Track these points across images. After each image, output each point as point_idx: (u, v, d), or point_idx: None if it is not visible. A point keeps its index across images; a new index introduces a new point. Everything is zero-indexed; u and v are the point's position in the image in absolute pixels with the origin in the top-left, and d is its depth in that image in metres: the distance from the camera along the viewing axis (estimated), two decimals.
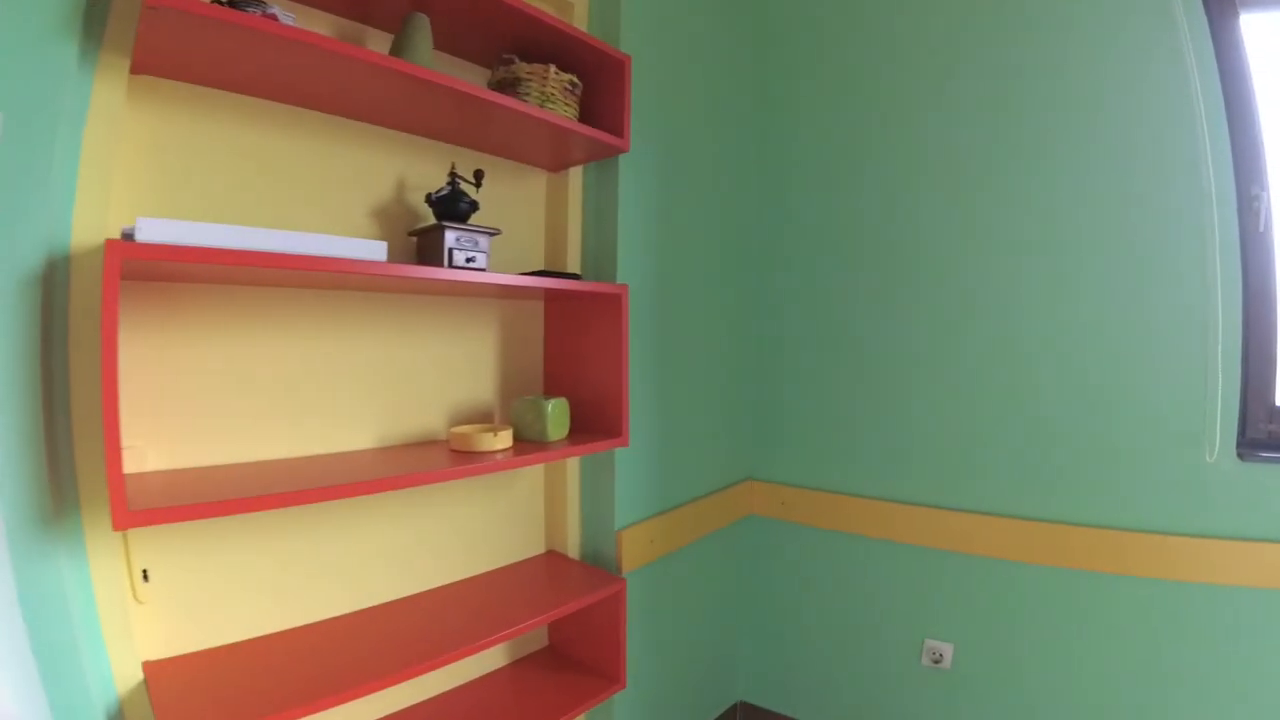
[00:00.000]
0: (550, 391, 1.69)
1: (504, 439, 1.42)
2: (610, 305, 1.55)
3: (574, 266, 1.69)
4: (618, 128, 1.59)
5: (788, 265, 2.18)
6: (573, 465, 1.73)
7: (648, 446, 1.80)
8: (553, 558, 1.72)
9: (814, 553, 2.10)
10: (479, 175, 1.51)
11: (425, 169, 1.49)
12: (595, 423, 1.59)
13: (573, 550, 1.73)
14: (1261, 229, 1.66)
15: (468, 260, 1.41)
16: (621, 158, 1.66)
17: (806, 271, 2.13)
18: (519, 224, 1.67)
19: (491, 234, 1.45)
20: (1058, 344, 1.71)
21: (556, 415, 1.50)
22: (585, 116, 1.62)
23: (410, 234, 1.46)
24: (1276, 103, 1.69)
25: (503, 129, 1.47)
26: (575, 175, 1.72)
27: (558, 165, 1.70)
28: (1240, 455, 1.58)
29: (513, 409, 1.53)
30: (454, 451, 1.40)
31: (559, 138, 1.54)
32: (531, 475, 1.71)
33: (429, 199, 1.44)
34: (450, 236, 1.40)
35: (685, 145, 1.94)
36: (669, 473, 1.89)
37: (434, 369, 1.51)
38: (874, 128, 1.99)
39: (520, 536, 1.69)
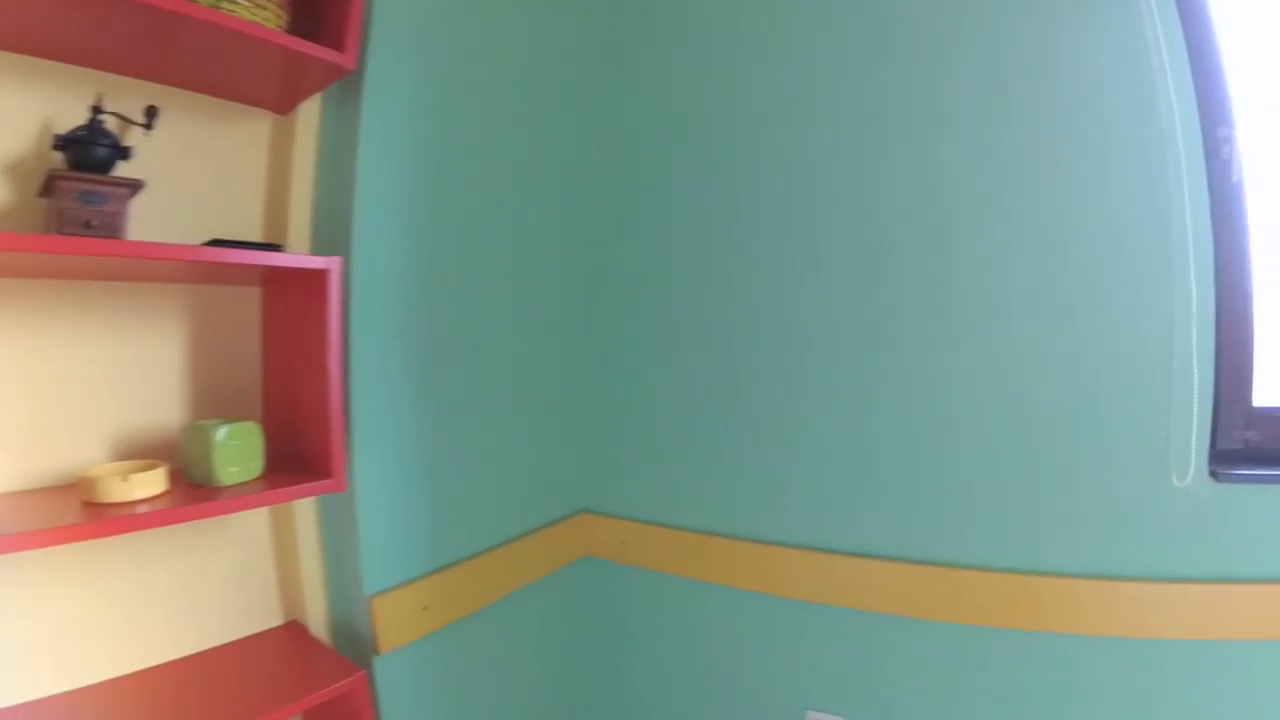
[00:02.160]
0: (272, 413, 1.23)
1: (146, 485, 0.98)
2: (316, 288, 1.11)
3: (299, 236, 1.23)
4: (339, 38, 1.14)
5: (637, 246, 1.67)
6: (304, 513, 1.25)
7: (411, 484, 1.30)
8: (293, 632, 1.28)
9: (668, 606, 1.60)
10: (151, 112, 1.07)
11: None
12: (311, 456, 1.15)
13: (317, 621, 1.28)
14: (1235, 180, 1.23)
15: (88, 225, 0.97)
16: (367, 88, 1.20)
17: (663, 256, 1.62)
18: (227, 180, 1.21)
19: (131, 187, 1.01)
20: (978, 338, 1.27)
21: (231, 448, 1.04)
22: (309, 28, 1.17)
23: (40, 194, 1.02)
24: (1240, 28, 1.27)
25: (183, 47, 1.02)
26: (309, 116, 1.26)
27: (284, 102, 1.25)
28: (1214, 475, 1.16)
29: (181, 439, 1.09)
30: (85, 504, 0.96)
31: (257, 56, 1.09)
32: (254, 524, 1.26)
33: (56, 142, 1.00)
34: (71, 191, 0.96)
35: (482, 79, 1.43)
36: (453, 515, 1.39)
37: (93, 382, 1.07)
38: (754, 66, 1.52)
39: (242, 604, 1.24)
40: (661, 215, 1.62)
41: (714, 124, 1.54)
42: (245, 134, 1.23)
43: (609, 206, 1.71)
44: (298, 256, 1.06)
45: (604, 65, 1.71)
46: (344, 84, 1.22)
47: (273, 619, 1.28)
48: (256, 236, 1.22)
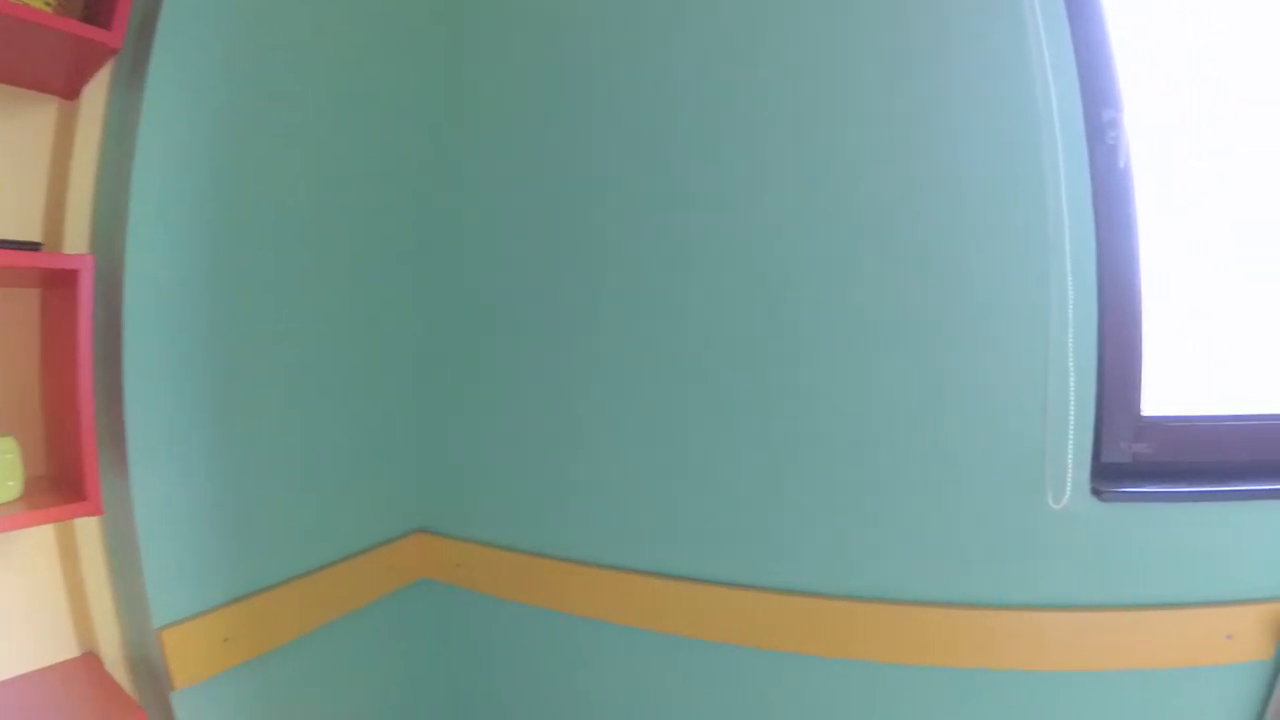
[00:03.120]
0: (52, 430, 1.12)
1: None
2: (67, 290, 1.00)
3: (77, 233, 1.12)
4: (109, 15, 1.03)
5: (466, 251, 1.49)
6: (89, 537, 1.13)
7: (203, 506, 1.17)
8: (88, 665, 1.17)
9: (505, 633, 1.46)
10: None
11: None
12: (72, 477, 1.01)
13: (114, 654, 1.18)
14: (1121, 166, 1.11)
15: None
16: (151, 73, 1.10)
17: (496, 261, 1.44)
18: (5, 170, 1.10)
19: None
20: (828, 348, 1.14)
21: None
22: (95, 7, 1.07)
23: None
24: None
25: None
26: (94, 103, 1.15)
27: (68, 87, 1.14)
28: (1097, 493, 1.04)
29: None
30: None
31: (20, 35, 0.99)
32: (37, 549, 1.13)
33: None
34: None
35: (288, 74, 1.28)
36: (257, 538, 1.25)
37: None
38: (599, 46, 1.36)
39: (33, 636, 1.13)
40: (495, 216, 1.46)
41: (553, 121, 1.38)
42: (28, 121, 1.12)
43: (436, 208, 1.54)
44: (46, 255, 0.95)
45: (430, 58, 1.53)
46: (133, 70, 1.11)
47: (68, 651, 1.17)
48: (36, 233, 1.12)
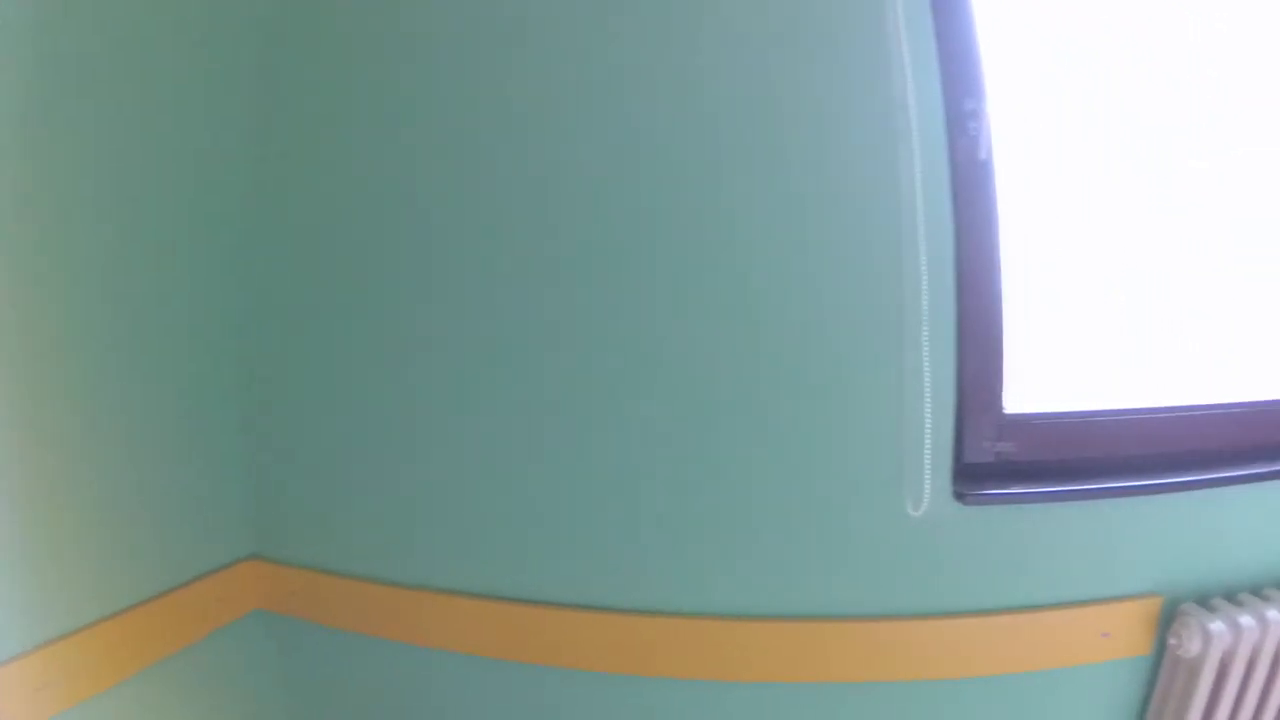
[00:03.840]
0: None
1: None
2: None
3: None
4: None
5: (307, 245, 1.28)
6: None
7: None
8: None
9: (344, 666, 1.30)
10: None
11: None
12: None
13: None
14: (982, 156, 1.09)
15: None
16: None
17: (338, 253, 1.25)
18: None
19: None
20: (670, 344, 1.09)
21: None
22: None
23: None
24: None
25: None
26: None
27: None
28: (959, 496, 1.01)
29: None
30: None
31: None
32: None
33: None
34: None
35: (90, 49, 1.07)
36: (65, 573, 1.11)
37: None
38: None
39: None
40: (333, 207, 1.27)
41: (385, 114, 1.22)
42: None
43: (265, 208, 1.34)
44: None
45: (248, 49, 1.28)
46: None
47: None
48: None
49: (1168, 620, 1.18)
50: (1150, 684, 1.21)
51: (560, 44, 1.05)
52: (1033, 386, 1.18)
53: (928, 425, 1.00)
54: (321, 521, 1.31)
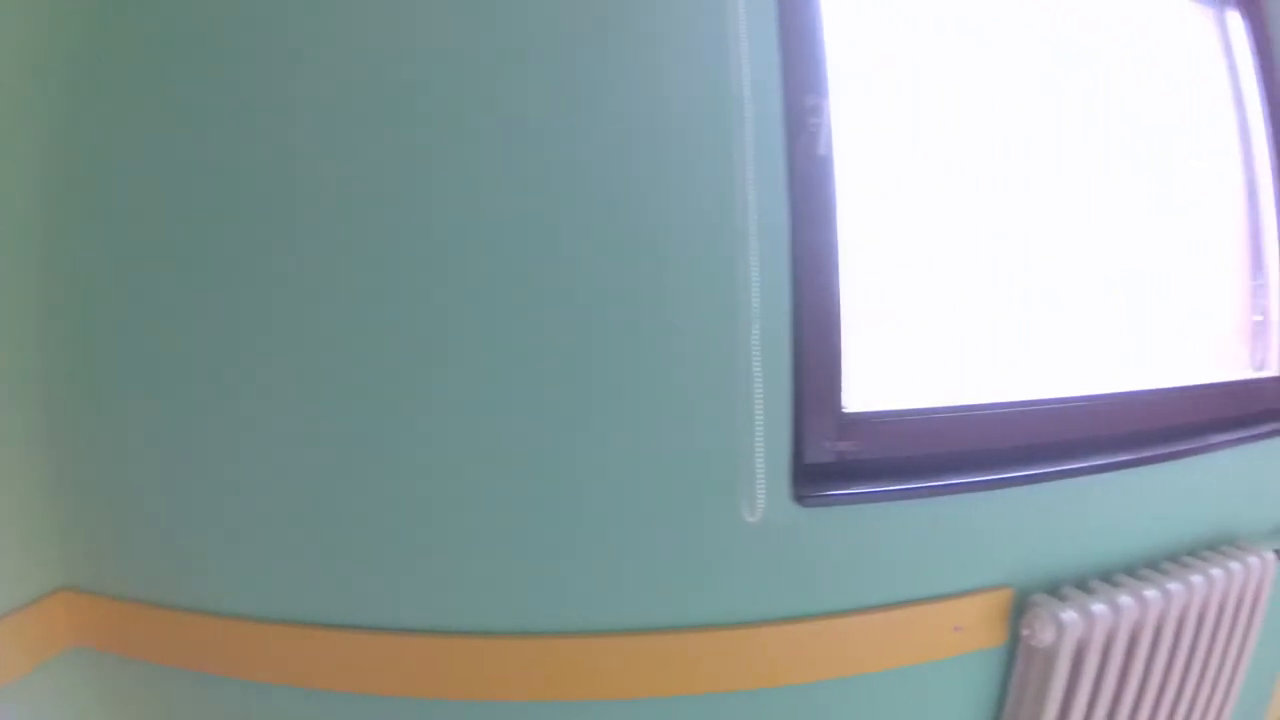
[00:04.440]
0: None
1: None
2: None
3: None
4: None
5: (111, 238, 1.08)
6: None
7: None
8: None
9: (192, 714, 1.15)
10: None
11: None
12: None
13: None
14: (822, 151, 1.06)
15: None
16: None
17: (143, 251, 1.07)
18: None
19: None
20: (481, 349, 0.99)
21: None
22: None
23: None
24: None
25: None
26: None
27: None
28: (799, 499, 0.99)
29: None
30: None
31: None
32: None
33: None
34: None
35: None
36: None
37: None
38: None
39: None
40: (143, 203, 1.09)
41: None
42: None
43: (70, 193, 1.12)
44: None
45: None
46: None
47: None
48: None
49: (1020, 611, 1.19)
50: (1008, 675, 1.22)
51: (370, 31, 0.98)
52: (875, 384, 1.16)
53: (759, 428, 0.98)
54: (137, 548, 1.16)
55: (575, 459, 0.97)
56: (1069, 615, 1.14)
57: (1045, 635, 1.15)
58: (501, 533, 0.98)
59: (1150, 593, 1.24)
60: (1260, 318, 1.60)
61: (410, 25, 0.96)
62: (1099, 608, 1.18)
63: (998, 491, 1.15)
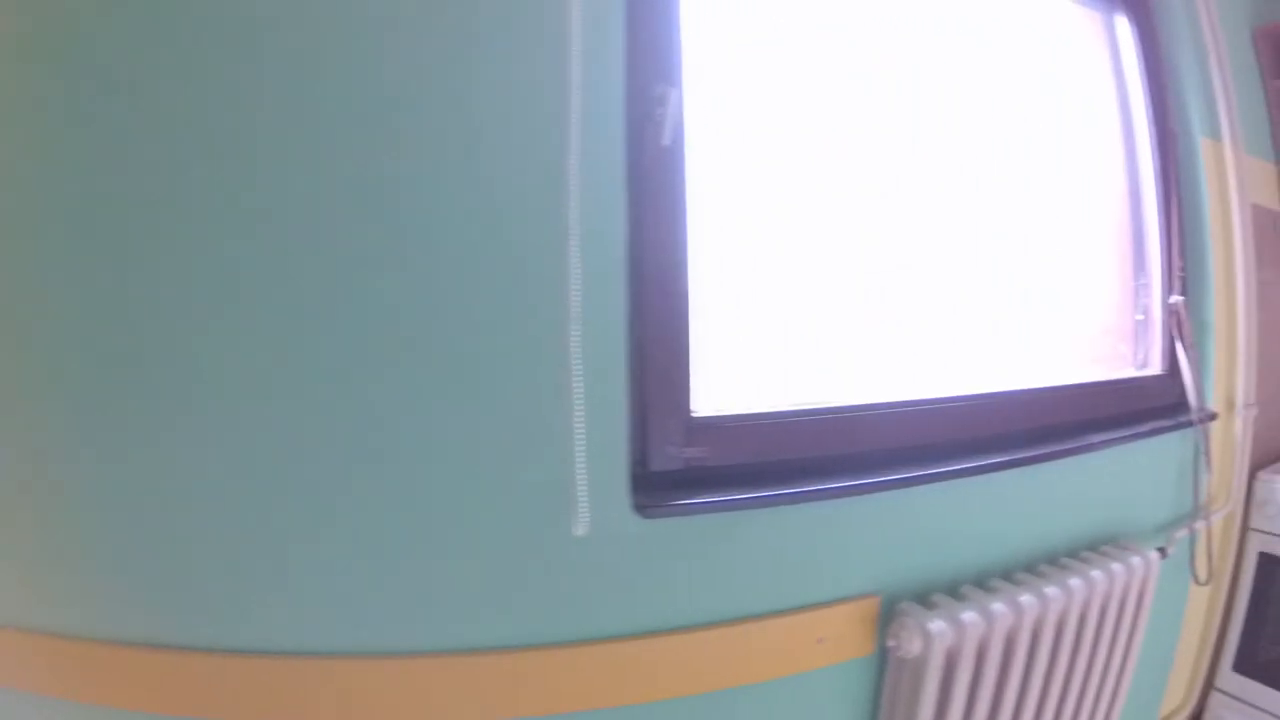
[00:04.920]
0: None
1: None
2: None
3: None
4: None
5: None
6: None
7: None
8: None
9: None
10: None
11: None
12: None
13: None
14: (666, 142, 1.01)
15: None
16: None
17: None
18: None
19: None
20: (294, 351, 0.87)
21: None
22: None
23: None
24: None
25: None
26: None
27: None
28: (641, 509, 0.92)
29: None
30: None
31: None
32: None
33: None
34: None
35: None
36: None
37: None
38: None
39: None
40: None
41: None
42: None
43: None
44: None
45: None
46: None
47: None
48: None
49: (888, 620, 1.14)
50: (879, 685, 1.17)
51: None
52: (733, 388, 1.12)
53: (579, 437, 0.91)
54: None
55: (371, 473, 0.89)
56: (936, 625, 1.11)
57: (912, 646, 1.11)
58: (325, 552, 0.90)
59: (1025, 598, 1.21)
60: (1142, 317, 1.60)
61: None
62: (969, 615, 1.15)
63: (864, 497, 1.10)
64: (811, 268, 1.21)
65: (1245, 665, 1.86)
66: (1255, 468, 1.83)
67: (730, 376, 1.11)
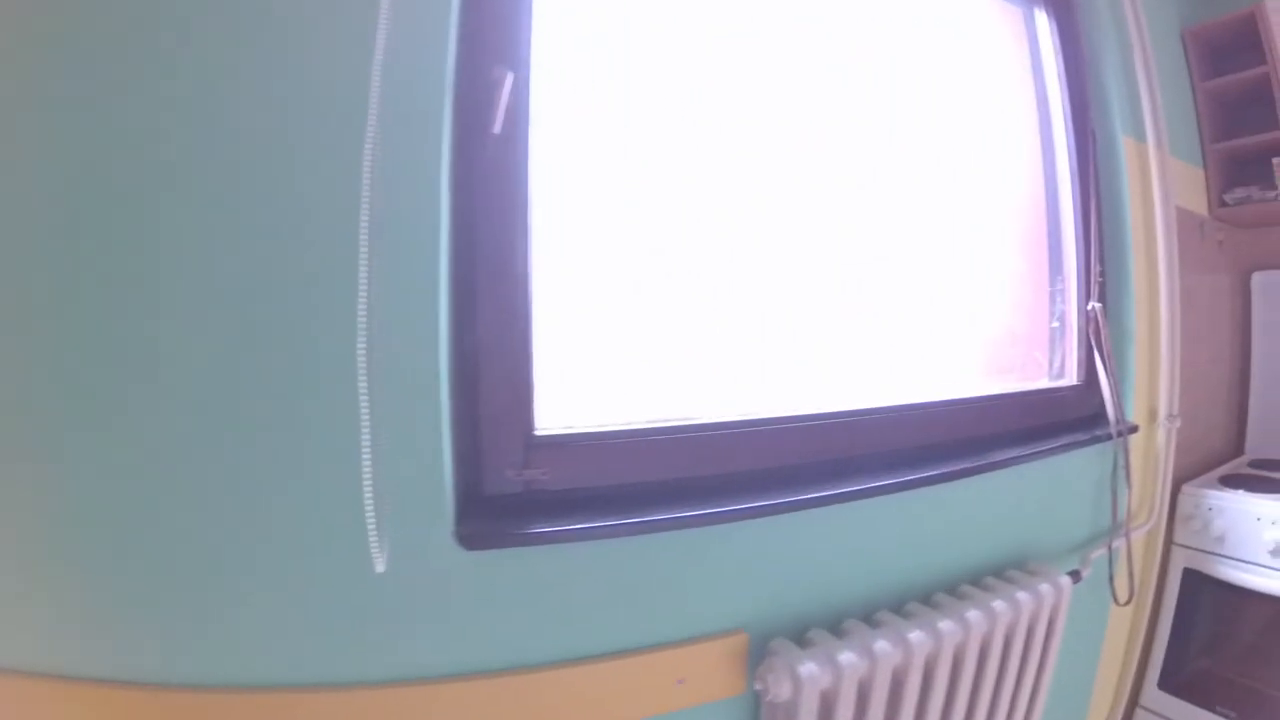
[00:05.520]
0: None
1: None
2: None
3: None
4: None
5: None
6: None
7: None
8: None
9: None
10: None
11: None
12: None
13: None
14: (497, 130, 0.89)
15: None
16: None
17: None
18: None
19: None
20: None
21: None
22: None
23: None
24: None
25: None
26: None
27: None
28: (465, 539, 0.80)
29: None
30: None
31: None
32: None
33: None
34: None
35: None
36: None
37: None
38: None
39: None
40: None
41: None
42: None
43: None
44: None
45: None
46: None
47: None
48: None
49: (760, 659, 1.04)
50: None
51: None
52: (585, 404, 1.00)
53: (365, 462, 0.79)
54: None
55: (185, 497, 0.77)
56: (807, 668, 1.00)
57: (780, 689, 1.01)
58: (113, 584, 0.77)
59: (916, 634, 1.11)
60: (1058, 324, 1.52)
61: None
62: (847, 656, 1.05)
63: (727, 525, 1.00)
64: (676, 268, 1.10)
65: (1170, 683, 1.79)
66: (1179, 481, 1.77)
67: (582, 390, 1.00)
